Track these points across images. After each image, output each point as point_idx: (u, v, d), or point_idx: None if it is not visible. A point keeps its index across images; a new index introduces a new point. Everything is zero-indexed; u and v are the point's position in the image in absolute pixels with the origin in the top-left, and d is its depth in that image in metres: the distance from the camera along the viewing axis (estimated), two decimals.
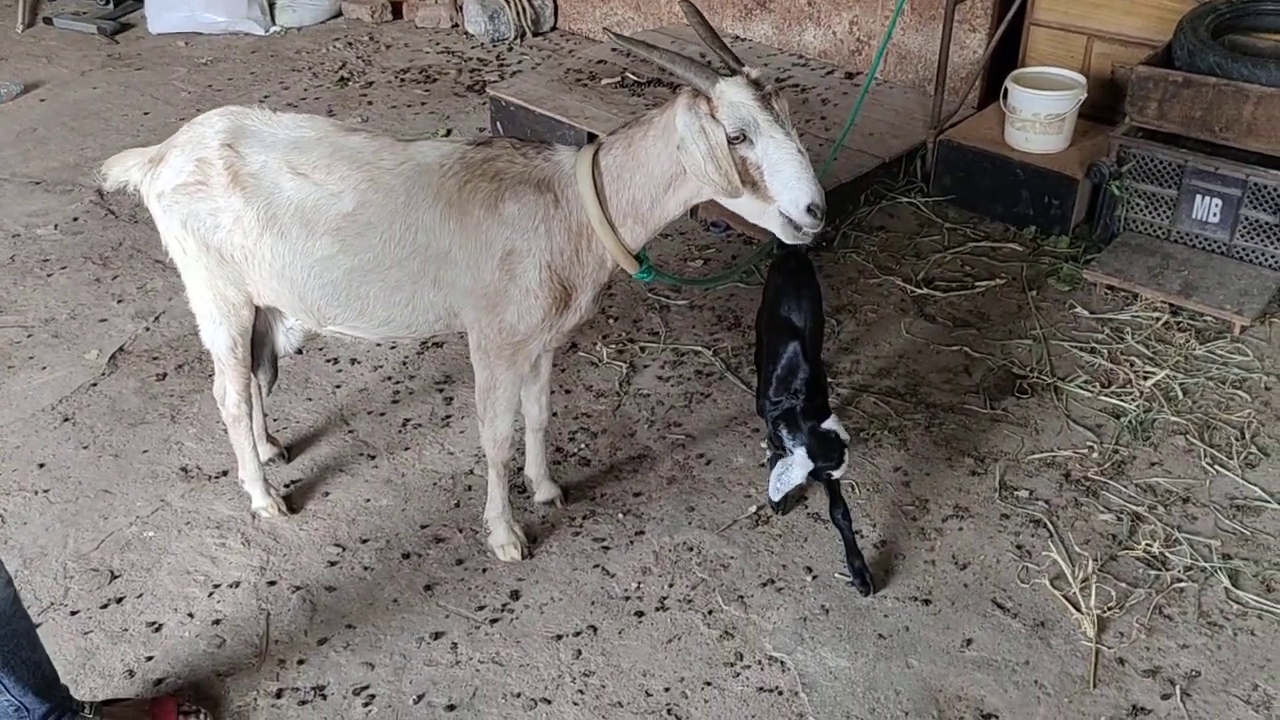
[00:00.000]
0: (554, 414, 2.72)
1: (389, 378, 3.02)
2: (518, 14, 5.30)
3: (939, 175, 3.76)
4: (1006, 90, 3.61)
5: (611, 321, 3.18)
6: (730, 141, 1.87)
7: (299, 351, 2.75)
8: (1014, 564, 2.40)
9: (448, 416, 2.88)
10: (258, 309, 2.34)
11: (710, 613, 2.30)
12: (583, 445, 2.78)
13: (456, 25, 5.45)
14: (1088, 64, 3.72)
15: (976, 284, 3.36)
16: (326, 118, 2.26)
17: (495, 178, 2.07)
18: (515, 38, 5.30)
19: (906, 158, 3.84)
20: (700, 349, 3.10)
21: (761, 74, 1.91)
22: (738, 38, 4.73)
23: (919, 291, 3.32)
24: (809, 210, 1.88)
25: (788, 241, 1.98)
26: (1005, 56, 3.88)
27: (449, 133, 4.40)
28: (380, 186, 2.10)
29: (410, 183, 2.09)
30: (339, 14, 5.61)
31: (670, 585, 2.37)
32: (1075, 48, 3.71)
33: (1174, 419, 2.78)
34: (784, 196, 1.88)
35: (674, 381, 3.00)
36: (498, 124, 4.29)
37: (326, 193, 2.10)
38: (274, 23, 5.47)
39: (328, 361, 3.07)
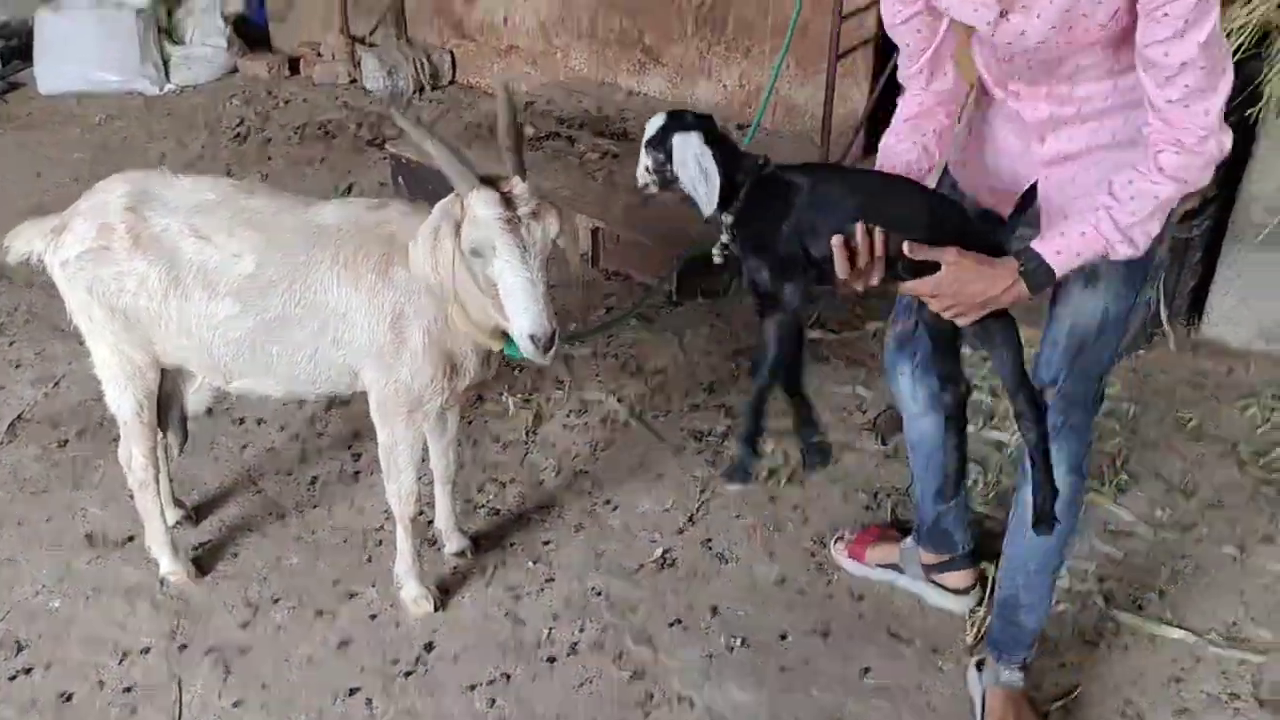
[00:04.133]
0: (461, 465, 2.77)
1: (296, 435, 3.04)
2: (415, 68, 5.37)
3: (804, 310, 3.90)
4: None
5: (517, 372, 3.25)
6: (465, 253, 1.91)
7: (209, 412, 2.77)
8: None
9: (356, 472, 2.91)
10: (165, 371, 2.37)
11: (620, 655, 2.38)
12: (491, 495, 2.84)
13: (354, 80, 5.49)
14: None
15: (866, 325, 3.51)
16: (229, 180, 2.32)
17: (387, 241, 2.14)
18: (413, 92, 5.36)
19: None
20: (604, 397, 3.19)
21: (525, 190, 1.91)
22: (631, 92, 4.87)
23: (813, 334, 3.46)
24: (531, 339, 1.90)
25: (536, 363, 2.00)
26: (886, 108, 4.07)
27: (349, 189, 4.44)
28: (281, 247, 2.16)
29: (310, 244, 2.15)
30: (235, 70, 5.61)
31: (581, 630, 2.44)
32: None
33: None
34: (512, 321, 1.92)
35: (579, 430, 3.08)
36: (399, 179, 4.34)
37: (228, 254, 2.15)
38: (169, 80, 5.45)
39: (234, 422, 3.08)
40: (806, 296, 1.80)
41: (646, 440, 3.03)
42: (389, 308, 2.13)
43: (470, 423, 3.06)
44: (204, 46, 5.53)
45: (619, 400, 3.18)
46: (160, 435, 2.49)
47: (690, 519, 2.75)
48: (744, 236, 1.81)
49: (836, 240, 1.70)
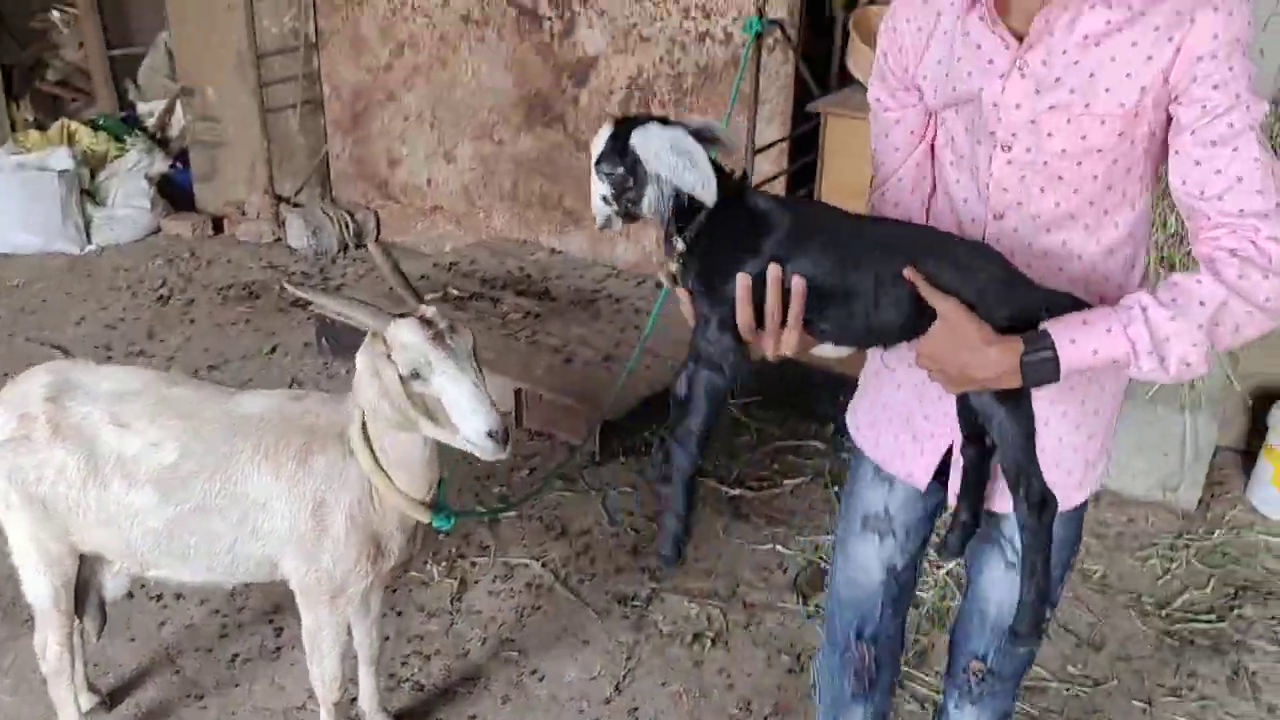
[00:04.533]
0: (386, 638, 2.75)
1: (216, 611, 3.00)
2: (340, 228, 5.47)
3: (745, 379, 4.04)
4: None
5: (441, 538, 3.26)
6: (405, 379, 1.95)
7: (130, 595, 2.73)
8: None
9: (278, 649, 2.87)
10: (83, 556, 2.34)
11: None
12: (416, 669, 2.82)
13: (279, 239, 5.57)
14: None
15: (785, 481, 3.60)
16: (152, 370, 2.35)
17: (307, 431, 2.18)
18: (338, 251, 5.45)
19: None
20: (530, 561, 3.21)
21: (435, 312, 1.98)
22: (554, 250, 5.02)
23: (733, 492, 3.54)
24: (489, 436, 1.93)
25: (490, 459, 2.01)
26: None
27: (274, 350, 4.47)
28: (202, 438, 2.18)
29: (231, 434, 2.18)
30: (158, 230, 5.66)
31: None
32: None
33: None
34: (464, 428, 1.94)
35: (505, 596, 3.09)
36: (323, 340, 4.39)
37: (147, 443, 2.17)
38: (90, 241, 5.47)
39: (152, 599, 3.03)
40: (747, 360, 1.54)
41: (572, 605, 3.04)
42: (310, 496, 2.16)
43: (394, 591, 3.05)
44: (127, 207, 5.57)
45: (543, 565, 3.20)
46: (77, 621, 2.45)
47: (617, 687, 2.76)
48: (696, 271, 1.51)
49: (742, 281, 1.45)
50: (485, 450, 1.97)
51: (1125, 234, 1.57)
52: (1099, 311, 1.41)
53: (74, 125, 5.85)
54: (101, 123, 5.99)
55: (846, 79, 4.21)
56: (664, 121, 1.49)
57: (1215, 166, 1.39)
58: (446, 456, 2.15)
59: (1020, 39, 1.48)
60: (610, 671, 2.82)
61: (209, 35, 5.47)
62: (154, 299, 4.95)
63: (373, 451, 2.09)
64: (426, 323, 1.94)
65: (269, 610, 3.00)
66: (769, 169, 4.15)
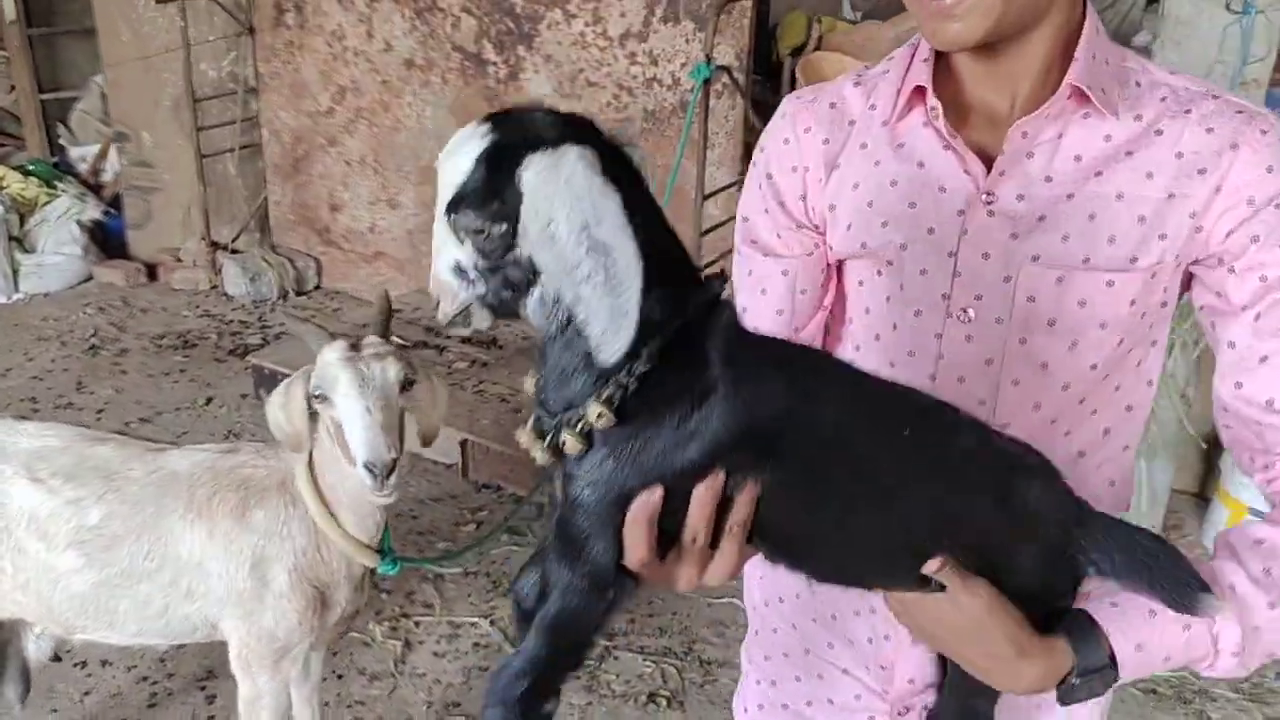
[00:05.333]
0: (326, 704, 2.62)
1: (145, 678, 2.84)
2: (280, 274, 5.34)
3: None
4: None
5: (384, 596, 3.13)
6: (315, 398, 1.89)
7: (56, 659, 2.57)
8: None
9: (210, 718, 2.72)
10: (3, 621, 2.21)
11: None
12: None
13: (216, 287, 5.43)
14: None
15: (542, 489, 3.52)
16: (76, 428, 2.22)
17: (242, 485, 2.08)
18: (278, 298, 5.32)
19: None
20: (477, 620, 3.09)
21: (379, 343, 1.92)
22: None
23: None
24: (367, 468, 1.85)
25: (376, 502, 1.91)
26: None
27: (209, 401, 4.32)
28: (128, 498, 2.07)
29: (160, 493, 2.08)
30: (89, 278, 5.49)
31: None
32: None
33: None
34: (354, 454, 1.86)
35: (451, 657, 2.96)
36: (261, 392, 4.25)
37: (63, 501, 2.05)
38: (17, 289, 5.29)
39: (75, 665, 2.86)
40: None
41: None
42: (249, 553, 2.05)
43: (335, 654, 2.91)
44: (57, 255, 5.40)
45: (491, 623, 3.08)
46: None
47: None
48: (634, 427, 0.85)
49: (645, 501, 0.86)
50: (365, 483, 1.87)
51: (1117, 447, 1.14)
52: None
53: (2, 171, 5.66)
54: (31, 168, 5.81)
55: None
56: (603, 151, 0.83)
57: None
58: (388, 510, 2.05)
59: (987, 161, 1.04)
60: None
61: (144, 79, 5.35)
62: (84, 349, 4.78)
63: (320, 495, 2.00)
64: (352, 346, 1.89)
65: (201, 676, 2.85)
66: (718, 213, 4.10)
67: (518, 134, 0.82)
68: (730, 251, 3.77)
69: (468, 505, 3.67)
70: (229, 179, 5.47)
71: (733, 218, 4.08)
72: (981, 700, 1.07)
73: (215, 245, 5.47)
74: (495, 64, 4.56)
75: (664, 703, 2.80)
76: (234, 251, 5.48)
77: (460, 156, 0.82)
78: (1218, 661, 0.98)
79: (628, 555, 0.89)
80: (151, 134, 5.46)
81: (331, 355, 1.88)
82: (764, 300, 1.19)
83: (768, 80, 4.36)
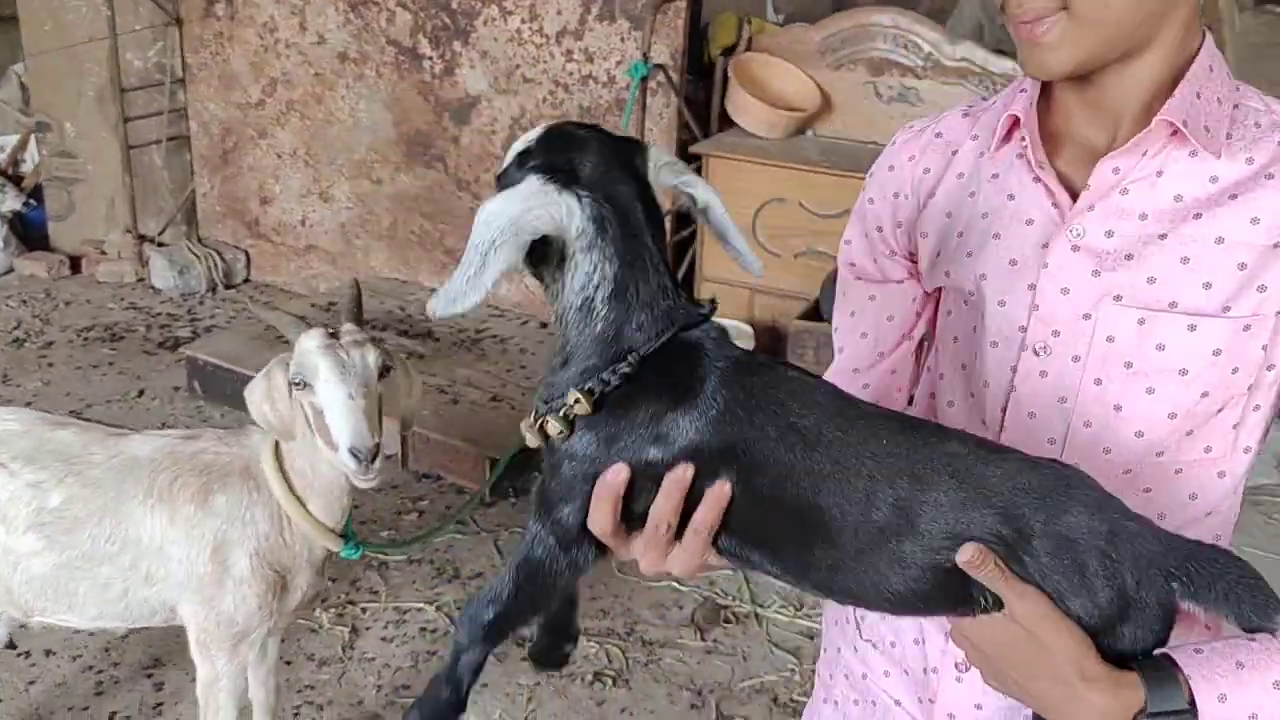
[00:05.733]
0: (276, 688, 2.65)
1: (90, 667, 2.84)
2: (208, 267, 5.30)
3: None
4: None
5: (330, 583, 3.17)
6: (295, 386, 1.94)
7: (11, 646, 2.56)
8: None
9: (159, 704, 2.73)
10: None
11: None
12: (310, 718, 2.72)
13: (142, 280, 5.36)
14: (752, 315, 4.21)
15: None
16: (37, 412, 2.23)
17: (204, 470, 2.11)
18: (206, 291, 5.27)
19: None
20: (422, 605, 3.14)
21: (352, 329, 1.97)
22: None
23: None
24: (351, 453, 1.90)
25: (359, 485, 1.97)
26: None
27: (140, 394, 4.28)
28: (89, 481, 2.09)
29: (120, 477, 2.10)
30: (10, 270, 5.38)
31: None
32: (741, 300, 4.20)
33: None
34: (337, 440, 1.91)
35: (398, 641, 3.01)
36: (194, 383, 4.23)
37: (23, 484, 2.07)
38: None
39: (19, 655, 2.84)
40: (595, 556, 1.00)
41: None
42: (210, 537, 2.08)
43: (283, 641, 2.93)
44: None
45: (437, 609, 3.14)
46: None
47: None
48: (611, 418, 0.94)
49: (617, 473, 0.93)
50: (349, 468, 1.93)
51: (1201, 511, 1.06)
52: (1261, 647, 0.87)
53: None
54: None
55: (727, 122, 4.32)
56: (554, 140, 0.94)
57: None
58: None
59: (1074, 194, 1.03)
60: (511, 715, 2.77)
61: (67, 68, 5.25)
62: (7, 341, 4.69)
63: (287, 480, 2.04)
64: (331, 334, 1.94)
65: (148, 664, 2.86)
66: None
67: (549, 151, 0.94)
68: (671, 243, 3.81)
69: (409, 494, 3.71)
70: (155, 171, 5.41)
71: (668, 212, 4.20)
72: None
73: (141, 238, 5.40)
74: (431, 58, 4.60)
75: (610, 681, 2.89)
76: (160, 244, 5.42)
77: (515, 143, 0.96)
78: None
79: (592, 524, 0.95)
80: (74, 124, 5.37)
81: (311, 343, 1.92)
82: (852, 322, 1.22)
83: (700, 79, 4.47)
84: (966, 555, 0.87)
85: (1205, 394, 1.00)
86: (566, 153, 0.93)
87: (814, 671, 2.86)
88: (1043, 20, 0.94)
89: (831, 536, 0.93)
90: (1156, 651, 0.89)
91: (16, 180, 5.82)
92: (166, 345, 4.72)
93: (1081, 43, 0.95)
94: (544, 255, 0.94)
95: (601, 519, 0.94)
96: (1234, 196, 0.98)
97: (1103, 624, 0.88)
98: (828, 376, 1.19)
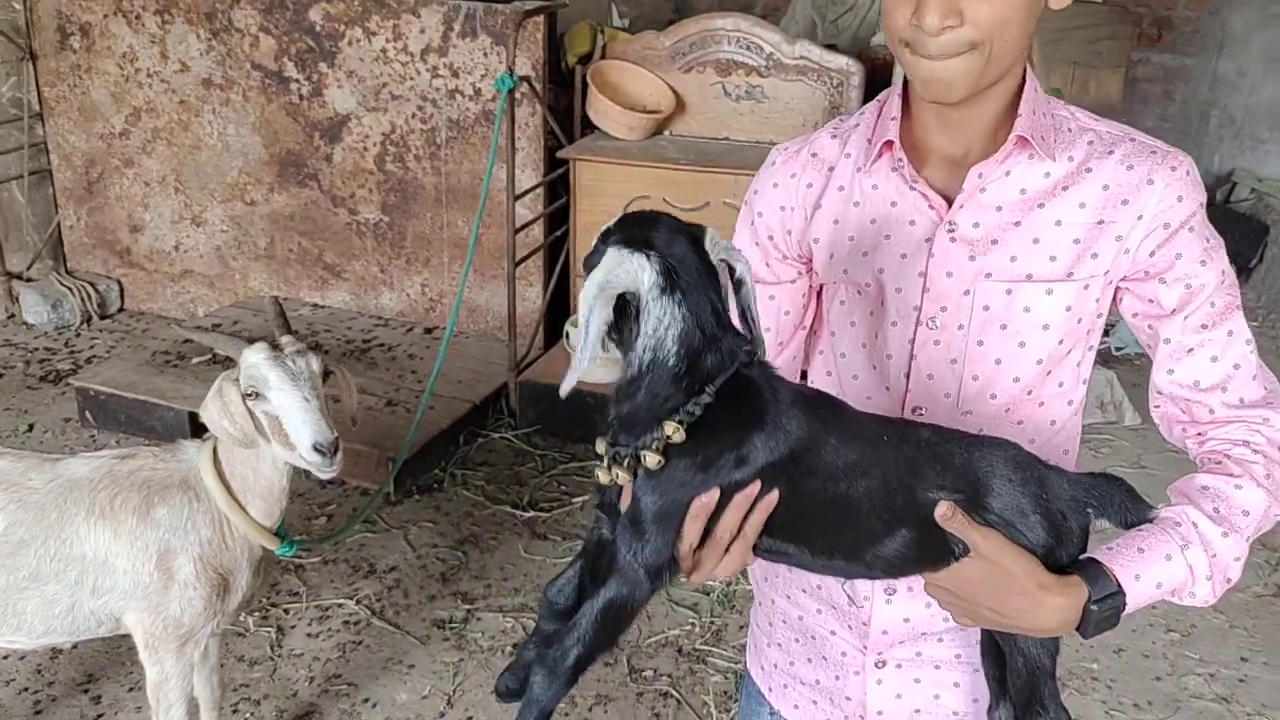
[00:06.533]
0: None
1: (25, 689, 2.93)
2: (82, 299, 5.30)
3: (524, 410, 4.31)
4: (567, 333, 4.28)
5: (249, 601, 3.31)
6: (248, 397, 2.11)
7: None
8: None
9: (99, 715, 2.85)
10: None
11: None
12: (247, 715, 2.88)
13: (13, 316, 5.32)
14: None
15: (573, 500, 3.88)
16: None
17: (143, 486, 2.26)
18: (81, 323, 5.28)
19: (493, 399, 4.37)
20: (343, 601, 3.32)
21: (291, 340, 2.15)
22: (316, 305, 5.09)
23: (528, 514, 3.78)
24: (315, 449, 2.09)
25: (323, 476, 2.16)
26: (560, 304, 4.59)
27: (31, 428, 4.31)
28: (30, 506, 2.22)
29: (61, 499, 2.23)
30: None
31: None
32: None
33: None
34: (298, 441, 2.10)
35: (324, 636, 3.18)
36: (86, 413, 4.28)
37: None
38: None
39: None
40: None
41: (393, 636, 3.18)
42: (154, 547, 2.23)
43: None
44: None
45: (358, 602, 3.32)
46: None
47: (449, 701, 2.93)
48: (699, 446, 1.10)
49: (709, 496, 1.11)
50: (314, 462, 2.11)
51: (1056, 431, 1.34)
52: (1150, 534, 1.18)
53: None
54: None
55: (590, 127, 4.58)
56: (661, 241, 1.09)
57: (1210, 354, 1.23)
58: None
59: (944, 196, 1.27)
60: (440, 689, 2.98)
61: None
62: None
63: (227, 487, 2.21)
64: (274, 347, 2.11)
65: (82, 680, 2.97)
66: (526, 213, 4.44)
67: (623, 229, 1.11)
68: (539, 248, 4.12)
69: (315, 501, 3.86)
70: (17, 206, 5.37)
71: (538, 217, 4.44)
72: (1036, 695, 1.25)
73: (9, 274, 5.36)
74: (298, 80, 4.73)
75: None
76: (29, 280, 5.39)
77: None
78: (1196, 588, 1.17)
79: (682, 544, 1.12)
80: None
81: (257, 356, 2.08)
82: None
83: (560, 87, 4.72)
84: (941, 510, 1.13)
85: (1060, 341, 1.27)
86: (638, 228, 1.10)
87: (711, 624, 3.16)
88: (953, 56, 1.15)
89: (857, 523, 1.15)
90: (1082, 557, 1.17)
91: None
92: (49, 379, 4.74)
93: (976, 75, 1.17)
94: (624, 314, 1.08)
95: (692, 538, 1.12)
96: (1065, 188, 1.24)
97: (1045, 551, 1.16)
98: None
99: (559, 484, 3.99)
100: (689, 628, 3.24)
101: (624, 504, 1.15)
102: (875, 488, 1.15)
